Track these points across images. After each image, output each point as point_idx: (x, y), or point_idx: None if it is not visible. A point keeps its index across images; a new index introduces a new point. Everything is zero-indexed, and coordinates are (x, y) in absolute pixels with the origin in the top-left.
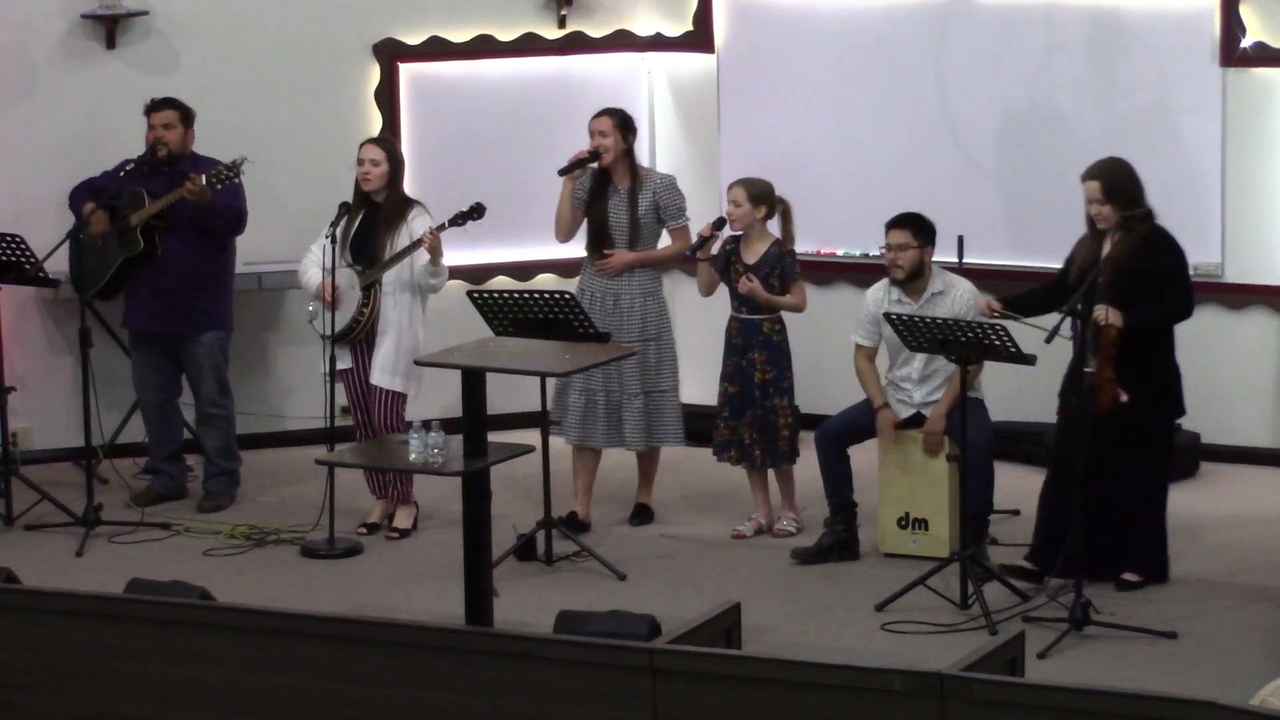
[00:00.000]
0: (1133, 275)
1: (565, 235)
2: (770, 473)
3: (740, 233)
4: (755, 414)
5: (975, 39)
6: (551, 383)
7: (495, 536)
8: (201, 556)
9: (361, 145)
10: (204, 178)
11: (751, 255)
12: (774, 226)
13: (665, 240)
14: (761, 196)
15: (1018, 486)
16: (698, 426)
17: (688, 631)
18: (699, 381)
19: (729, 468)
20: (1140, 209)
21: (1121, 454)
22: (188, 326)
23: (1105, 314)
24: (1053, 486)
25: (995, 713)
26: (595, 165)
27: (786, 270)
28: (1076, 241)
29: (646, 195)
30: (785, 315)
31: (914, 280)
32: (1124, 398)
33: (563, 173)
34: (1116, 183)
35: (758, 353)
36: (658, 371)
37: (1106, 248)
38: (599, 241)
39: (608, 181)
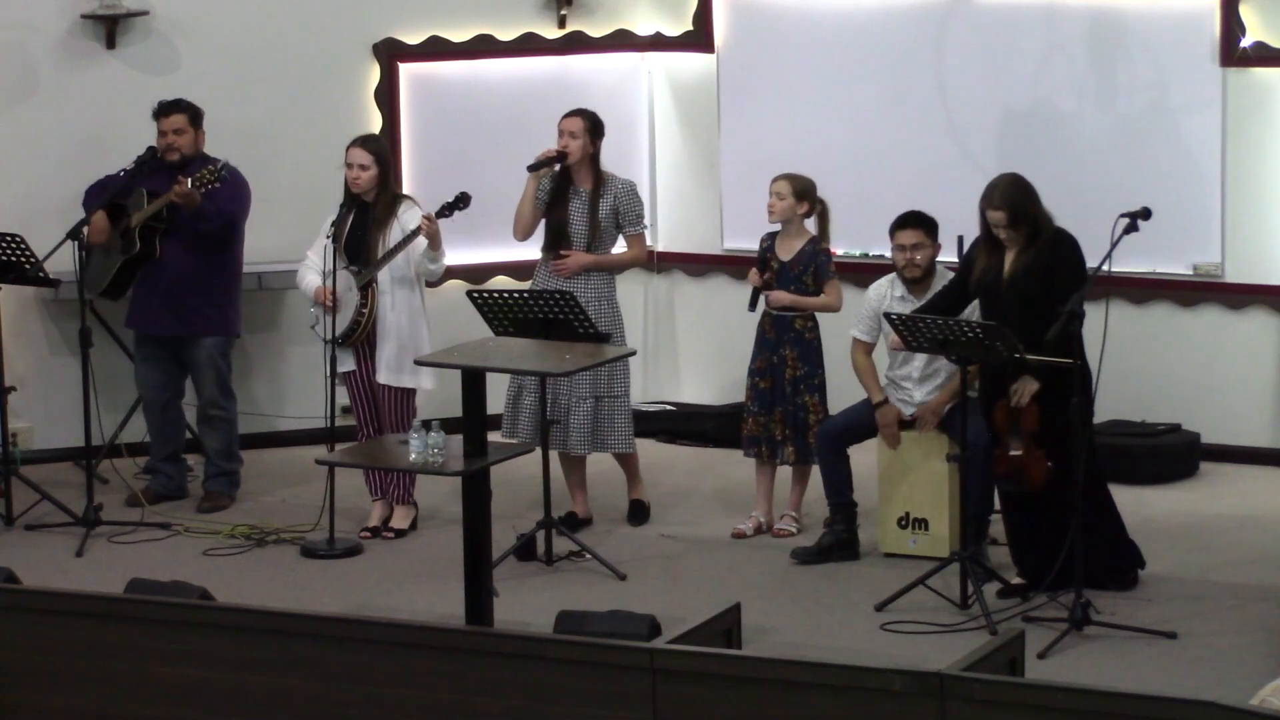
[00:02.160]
0: (1041, 280)
1: (524, 234)
2: (784, 470)
3: (778, 227)
4: (786, 410)
5: (975, 39)
6: (504, 384)
7: (495, 536)
8: (201, 556)
9: (347, 149)
10: (189, 181)
11: (787, 252)
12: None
13: (621, 246)
14: (805, 193)
15: None
16: (701, 427)
17: (688, 631)
18: (701, 383)
19: (729, 467)
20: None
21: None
22: (187, 329)
23: (1020, 395)
24: (1007, 502)
25: (995, 713)
26: (560, 165)
27: (820, 268)
28: (971, 244)
29: (608, 199)
30: (819, 314)
31: (923, 278)
32: (1050, 466)
33: (531, 169)
34: (1019, 209)
35: (789, 349)
36: (610, 377)
37: (1009, 259)
38: (556, 242)
39: (569, 183)
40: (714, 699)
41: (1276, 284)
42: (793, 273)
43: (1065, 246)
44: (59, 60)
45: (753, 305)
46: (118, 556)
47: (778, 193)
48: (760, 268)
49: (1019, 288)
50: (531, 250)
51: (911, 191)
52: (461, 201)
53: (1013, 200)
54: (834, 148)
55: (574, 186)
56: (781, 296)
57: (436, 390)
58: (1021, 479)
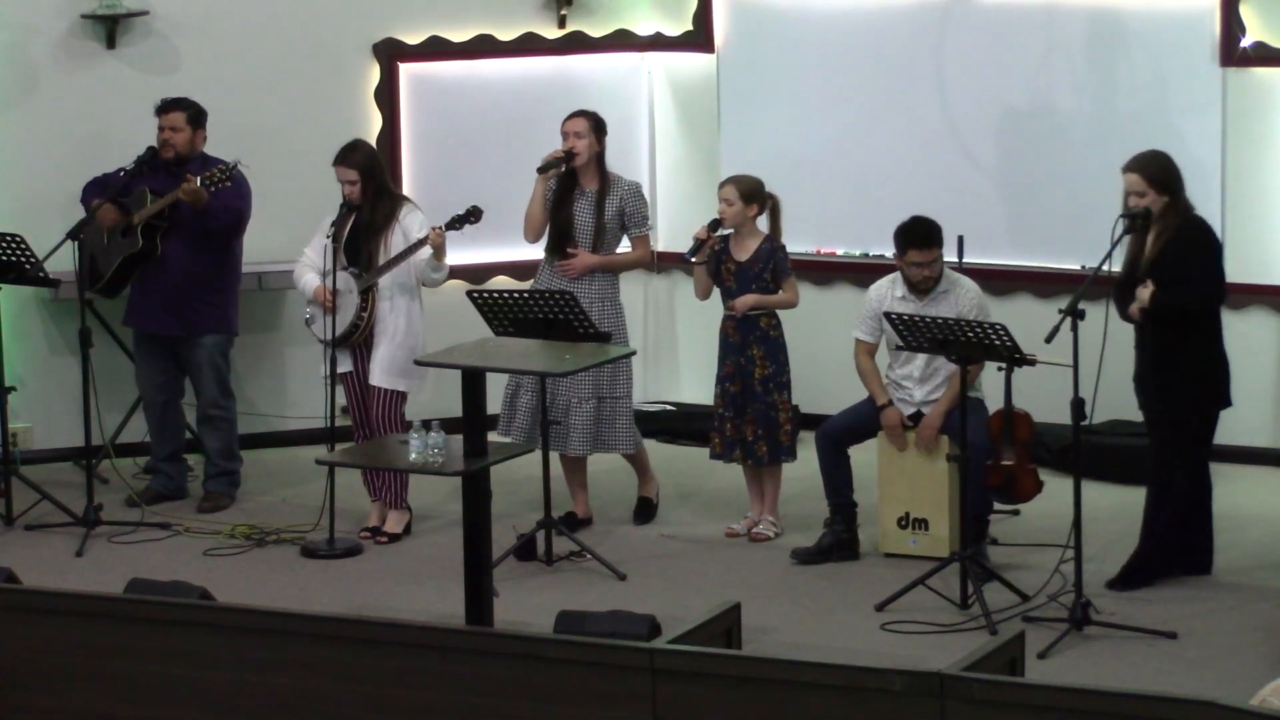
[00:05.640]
0: (1167, 265)
1: (535, 235)
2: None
3: (730, 231)
4: (756, 409)
5: (975, 39)
6: (502, 384)
7: (495, 536)
8: (201, 556)
9: (334, 166)
10: (198, 180)
11: (743, 253)
12: (763, 223)
13: (625, 246)
14: (753, 194)
15: None
16: (701, 427)
17: (688, 631)
18: (701, 383)
19: (729, 467)
20: (1142, 209)
21: (1168, 444)
22: (186, 328)
23: (1145, 296)
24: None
25: (995, 713)
26: (567, 166)
27: (779, 266)
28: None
29: (614, 201)
30: (781, 311)
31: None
32: (1043, 488)
33: (541, 171)
34: (1156, 176)
35: (756, 349)
36: (612, 377)
37: (1150, 241)
38: (560, 243)
39: (574, 184)
40: (714, 699)
41: (1276, 284)
42: (752, 271)
43: (1192, 235)
44: (59, 60)
45: (690, 255)
46: (118, 556)
47: (725, 199)
48: (714, 270)
49: (1154, 274)
50: (532, 250)
51: (911, 191)
52: (473, 215)
53: (1150, 169)
54: (834, 148)
55: (580, 187)
56: (747, 300)
57: (441, 391)
58: (1012, 490)
